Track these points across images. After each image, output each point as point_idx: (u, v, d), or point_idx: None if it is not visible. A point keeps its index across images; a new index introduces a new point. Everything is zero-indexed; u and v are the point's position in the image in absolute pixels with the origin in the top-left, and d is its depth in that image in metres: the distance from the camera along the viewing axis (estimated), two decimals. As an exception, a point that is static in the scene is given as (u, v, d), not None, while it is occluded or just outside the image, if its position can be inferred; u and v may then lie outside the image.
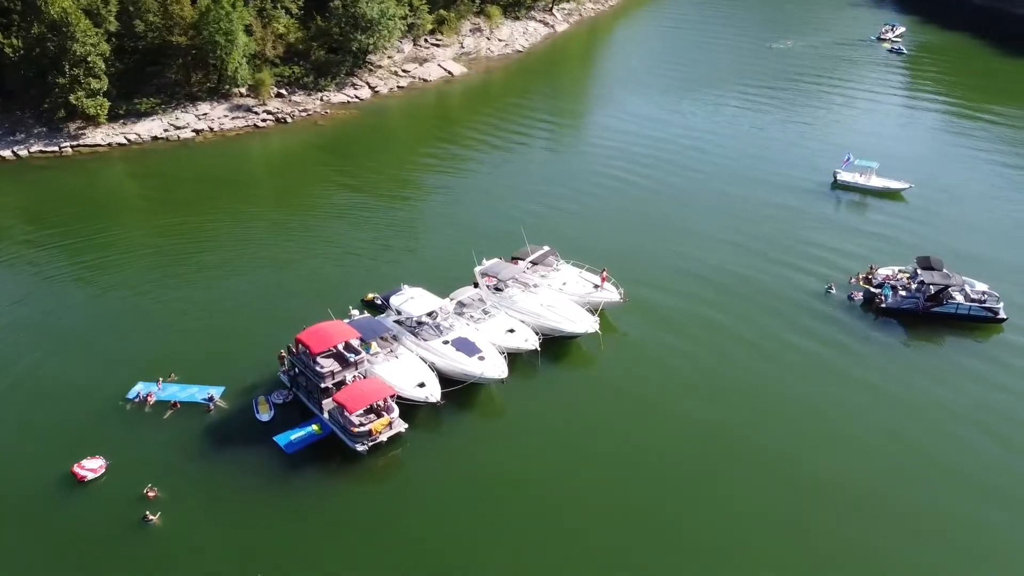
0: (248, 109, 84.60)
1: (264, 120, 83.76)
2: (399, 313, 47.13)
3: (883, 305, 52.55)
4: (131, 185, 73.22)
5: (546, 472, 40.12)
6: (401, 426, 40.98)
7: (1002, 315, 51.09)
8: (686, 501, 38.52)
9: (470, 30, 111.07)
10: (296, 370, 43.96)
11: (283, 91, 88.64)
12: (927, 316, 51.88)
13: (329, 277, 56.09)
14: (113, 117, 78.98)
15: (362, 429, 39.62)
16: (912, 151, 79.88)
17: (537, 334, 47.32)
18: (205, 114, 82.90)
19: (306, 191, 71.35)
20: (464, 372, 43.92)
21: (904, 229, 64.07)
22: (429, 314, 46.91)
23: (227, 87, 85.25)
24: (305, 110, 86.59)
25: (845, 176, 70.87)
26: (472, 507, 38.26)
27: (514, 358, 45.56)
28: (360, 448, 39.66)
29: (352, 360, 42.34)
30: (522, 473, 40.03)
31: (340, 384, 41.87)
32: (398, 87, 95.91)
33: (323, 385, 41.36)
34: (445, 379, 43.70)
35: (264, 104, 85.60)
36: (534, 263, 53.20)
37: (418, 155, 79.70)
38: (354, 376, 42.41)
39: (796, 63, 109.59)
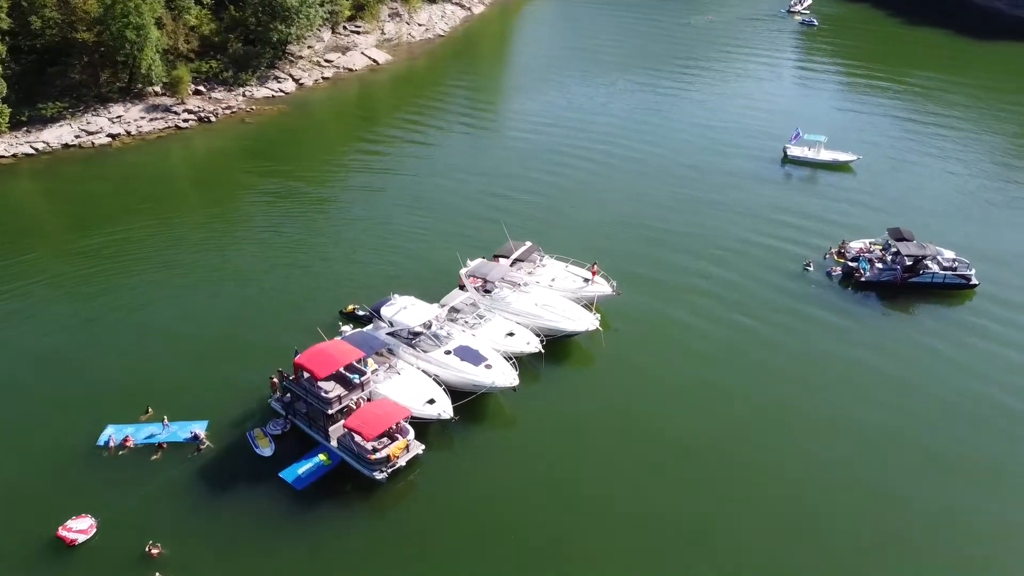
0: (167, 109, 78.29)
1: (186, 120, 77.71)
2: (392, 325, 44.15)
3: (863, 279, 53.27)
4: (47, 200, 66.17)
5: (572, 478, 38.48)
6: (418, 448, 38.38)
7: (974, 281, 52.61)
8: (719, 492, 37.49)
9: (389, 15, 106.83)
10: (289, 395, 40.58)
11: (202, 88, 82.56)
12: (905, 287, 52.92)
13: (299, 288, 52.31)
14: (15, 125, 71.70)
15: (380, 456, 36.82)
16: (849, 122, 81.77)
17: (538, 336, 45.39)
18: (119, 116, 76.16)
19: (248, 195, 66.44)
20: (474, 383, 41.57)
21: (859, 200, 65.45)
22: (425, 324, 44.16)
23: (140, 86, 78.66)
24: (229, 107, 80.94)
25: (795, 151, 71.78)
26: (499, 524, 36.17)
27: (516, 363, 43.34)
28: (379, 476, 36.85)
29: (357, 381, 39.27)
30: (546, 483, 38.23)
31: (346, 408, 38.82)
32: (323, 78, 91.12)
33: (330, 412, 38.17)
34: (453, 392, 41.24)
35: (183, 103, 79.43)
36: (519, 260, 51.02)
37: (361, 148, 75.86)
38: (360, 398, 39.40)
39: (718, 38, 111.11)
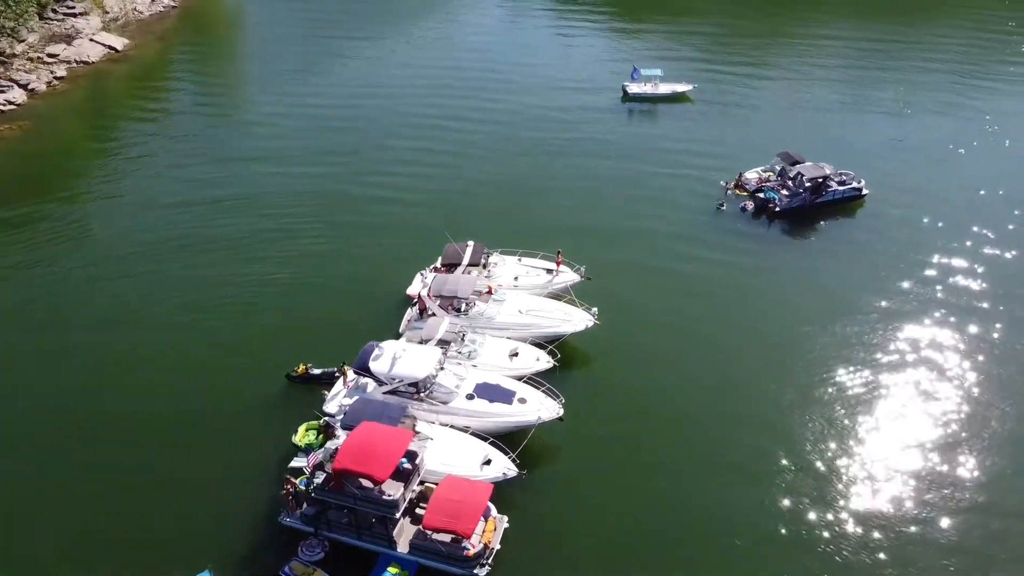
0: None
1: None
2: (391, 381, 36.15)
3: (778, 209, 54.34)
4: None
5: (660, 485, 34.98)
6: (503, 522, 32.14)
7: (865, 191, 55.99)
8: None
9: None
10: (307, 506, 31.76)
11: None
12: (812, 208, 54.90)
13: (212, 356, 41.44)
14: None
15: (478, 549, 30.15)
16: (652, 54, 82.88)
17: (543, 347, 40.12)
18: None
19: (37, 247, 50.63)
20: (516, 424, 35.69)
21: (714, 128, 66.78)
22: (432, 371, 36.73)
23: None
24: (-52, 137, 61.59)
25: (634, 88, 71.20)
26: (611, 560, 31.84)
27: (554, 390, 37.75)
28: (483, 573, 30.23)
29: (407, 466, 31.52)
30: (635, 501, 34.18)
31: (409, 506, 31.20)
32: (56, 78, 72.90)
33: (397, 516, 30.31)
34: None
35: None
36: (472, 265, 44.51)
37: (162, 157, 62.04)
38: (419, 486, 31.87)
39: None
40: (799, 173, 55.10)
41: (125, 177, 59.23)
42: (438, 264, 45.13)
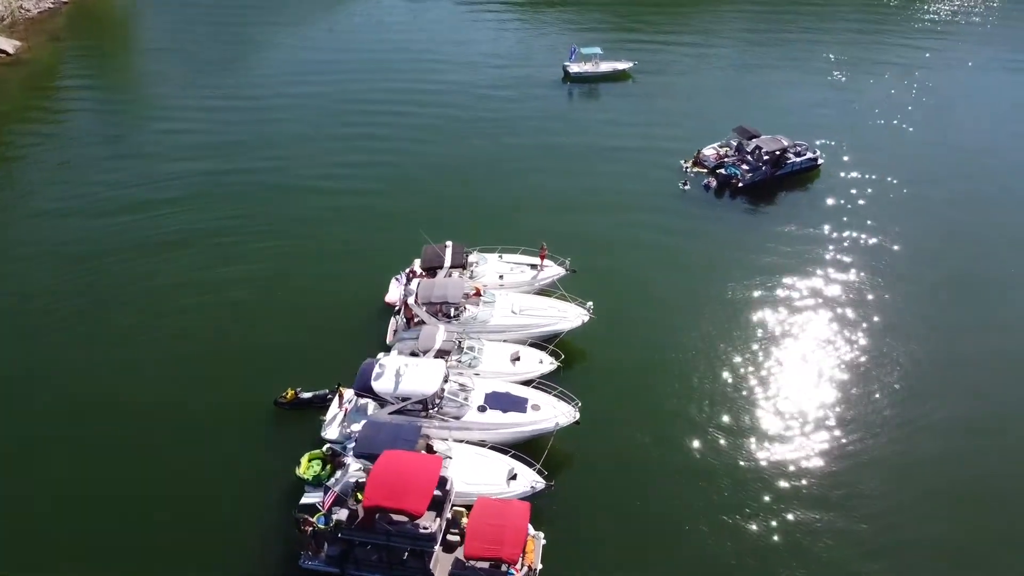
0: None
1: None
2: (398, 400, 33.85)
3: (741, 184, 54.30)
4: None
5: (691, 469, 34.68)
6: (541, 539, 30.63)
7: (820, 161, 56.59)
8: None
9: (-17, -15, 79.76)
10: (329, 546, 29.41)
11: None
12: (773, 180, 55.14)
13: (189, 382, 38.01)
14: None
15: (522, 573, 28.60)
16: (578, 27, 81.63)
17: (543, 348, 38.59)
18: None
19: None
20: (534, 432, 34.18)
21: (660, 105, 66.16)
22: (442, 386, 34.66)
23: None
24: None
25: (575, 68, 69.87)
26: (654, 563, 31.06)
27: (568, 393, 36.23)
28: (531, 598, 28.77)
29: (442, 493, 29.54)
30: (669, 493, 33.56)
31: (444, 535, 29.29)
32: (-57, 88, 65.68)
33: (435, 549, 28.35)
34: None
35: None
36: (455, 266, 42.35)
37: (95, 164, 56.62)
38: (452, 512, 29.95)
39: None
40: (757, 147, 55.18)
41: (45, 187, 53.77)
42: (416, 268, 42.71)
